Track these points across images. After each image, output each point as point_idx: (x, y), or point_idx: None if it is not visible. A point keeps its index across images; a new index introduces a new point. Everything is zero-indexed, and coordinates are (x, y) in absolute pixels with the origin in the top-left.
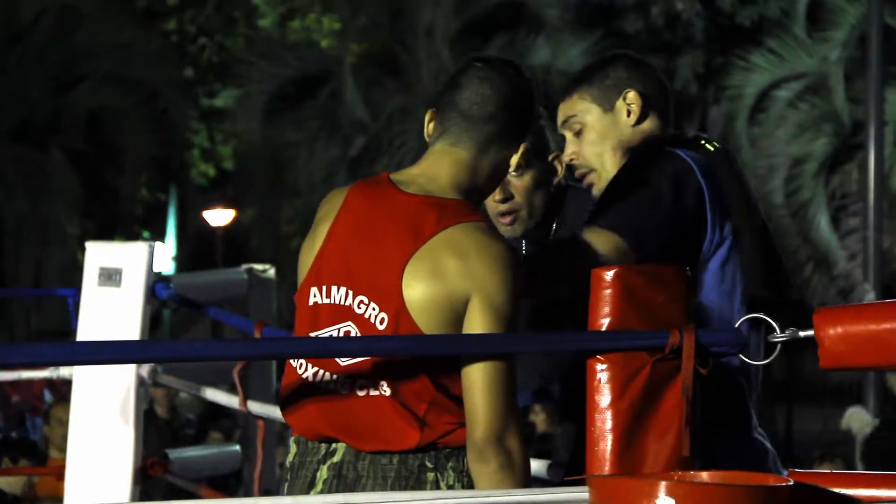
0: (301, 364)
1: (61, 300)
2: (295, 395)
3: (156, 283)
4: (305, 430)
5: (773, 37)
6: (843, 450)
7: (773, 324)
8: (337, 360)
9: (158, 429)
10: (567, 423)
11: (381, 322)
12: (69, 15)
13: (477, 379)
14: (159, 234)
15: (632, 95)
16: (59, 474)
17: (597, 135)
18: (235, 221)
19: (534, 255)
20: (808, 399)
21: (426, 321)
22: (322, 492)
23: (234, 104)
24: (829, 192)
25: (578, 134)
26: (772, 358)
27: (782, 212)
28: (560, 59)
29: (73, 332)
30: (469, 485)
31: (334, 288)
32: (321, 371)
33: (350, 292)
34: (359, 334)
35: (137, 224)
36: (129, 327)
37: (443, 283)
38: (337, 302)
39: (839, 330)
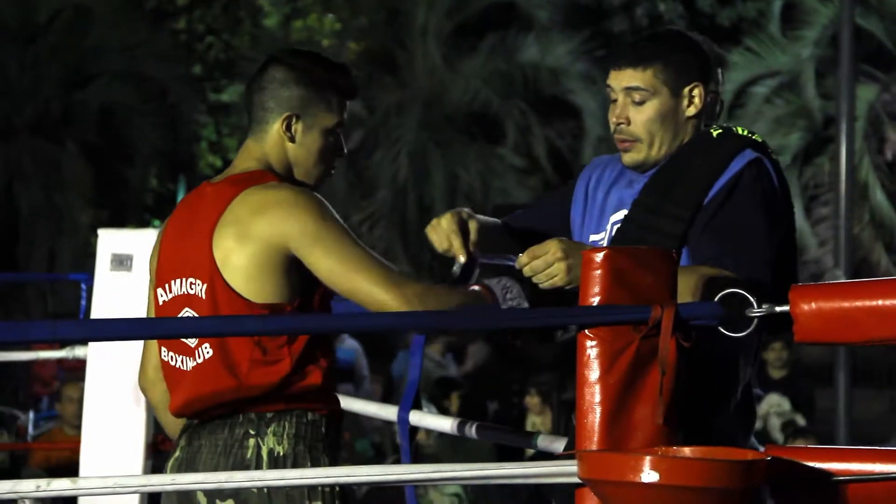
0: (171, 356)
1: (76, 284)
2: (168, 383)
3: None
4: (174, 411)
5: (750, 36)
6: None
7: (751, 298)
8: (187, 342)
9: None
10: None
11: (203, 293)
12: (82, 16)
13: (347, 281)
14: None
15: (698, 91)
16: (74, 449)
17: (658, 114)
18: None
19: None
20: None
21: (243, 283)
22: (178, 458)
23: (240, 99)
24: (803, 184)
25: (639, 104)
26: (749, 331)
27: None
28: (549, 58)
29: (87, 315)
30: (294, 447)
31: (173, 282)
32: (181, 357)
33: (182, 280)
34: (195, 314)
35: (148, 213)
36: (139, 310)
37: (252, 243)
38: (176, 293)
39: (813, 306)
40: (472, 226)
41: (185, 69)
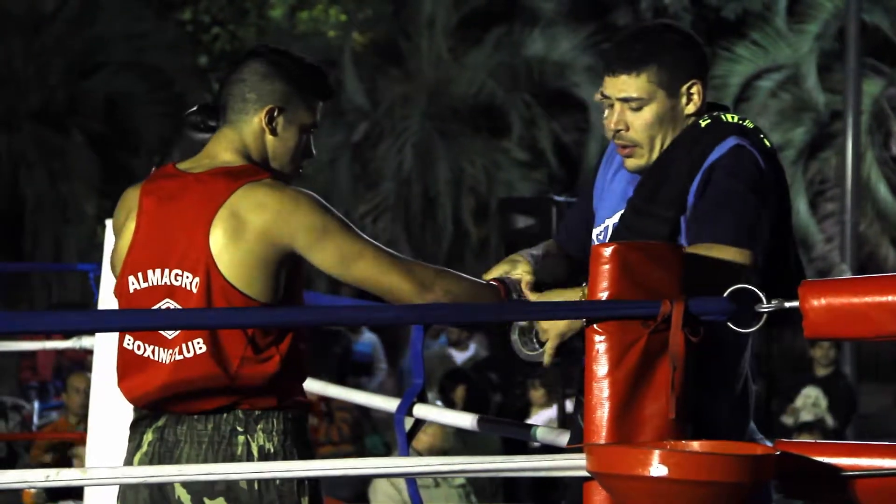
0: (138, 345)
1: (80, 275)
2: (126, 369)
3: None
4: (135, 400)
5: (756, 30)
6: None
7: (760, 294)
8: (164, 333)
9: None
10: None
11: (195, 286)
12: (89, 6)
13: (361, 271)
14: None
15: (697, 88)
16: (81, 438)
17: (657, 117)
18: None
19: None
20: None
21: (240, 279)
22: (147, 453)
23: None
24: (808, 178)
25: (637, 109)
26: (758, 326)
27: None
28: (554, 52)
29: (94, 304)
30: (283, 443)
31: (150, 272)
32: (149, 346)
33: (165, 270)
34: (177, 306)
35: None
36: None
37: (251, 240)
38: (154, 283)
39: (823, 301)
40: (524, 274)
41: (190, 60)
